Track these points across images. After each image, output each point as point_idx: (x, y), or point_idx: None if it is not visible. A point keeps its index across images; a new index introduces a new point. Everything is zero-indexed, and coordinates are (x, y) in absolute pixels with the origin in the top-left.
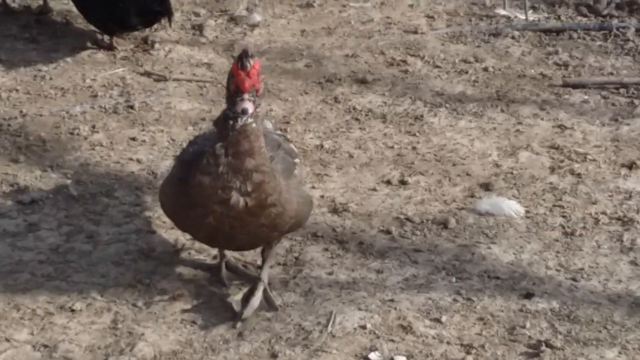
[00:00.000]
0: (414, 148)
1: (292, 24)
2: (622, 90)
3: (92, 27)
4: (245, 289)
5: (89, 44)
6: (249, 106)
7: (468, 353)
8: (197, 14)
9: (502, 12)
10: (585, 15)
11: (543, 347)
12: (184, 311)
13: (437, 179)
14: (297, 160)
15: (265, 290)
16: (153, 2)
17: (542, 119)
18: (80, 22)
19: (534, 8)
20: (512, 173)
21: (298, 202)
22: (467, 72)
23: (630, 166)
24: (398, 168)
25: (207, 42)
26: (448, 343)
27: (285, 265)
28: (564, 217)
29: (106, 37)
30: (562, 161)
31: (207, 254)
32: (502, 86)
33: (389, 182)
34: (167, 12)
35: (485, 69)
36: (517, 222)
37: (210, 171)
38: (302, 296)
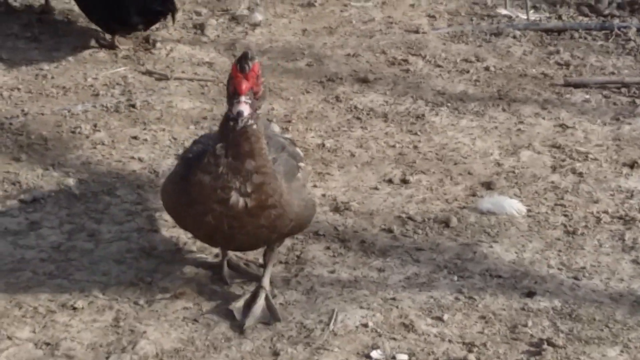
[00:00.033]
0: (415, 147)
1: (293, 23)
2: (623, 90)
3: (94, 26)
4: (247, 295)
5: (90, 43)
6: (244, 109)
7: (470, 351)
8: (198, 13)
9: (503, 11)
10: (586, 15)
11: (545, 346)
12: (186, 309)
13: (438, 177)
14: (301, 164)
15: (267, 298)
16: (154, 1)
17: (544, 118)
18: (82, 21)
19: (535, 8)
20: (513, 172)
21: (299, 204)
22: (468, 72)
23: (632, 165)
24: (399, 167)
25: (209, 41)
26: (450, 341)
27: (287, 264)
28: (565, 216)
29: (108, 36)
30: (563, 160)
31: (208, 252)
32: (504, 85)
33: (390, 181)
34: (172, 9)
35: (487, 69)
36: (519, 221)
37: (210, 170)
38: (304, 294)
